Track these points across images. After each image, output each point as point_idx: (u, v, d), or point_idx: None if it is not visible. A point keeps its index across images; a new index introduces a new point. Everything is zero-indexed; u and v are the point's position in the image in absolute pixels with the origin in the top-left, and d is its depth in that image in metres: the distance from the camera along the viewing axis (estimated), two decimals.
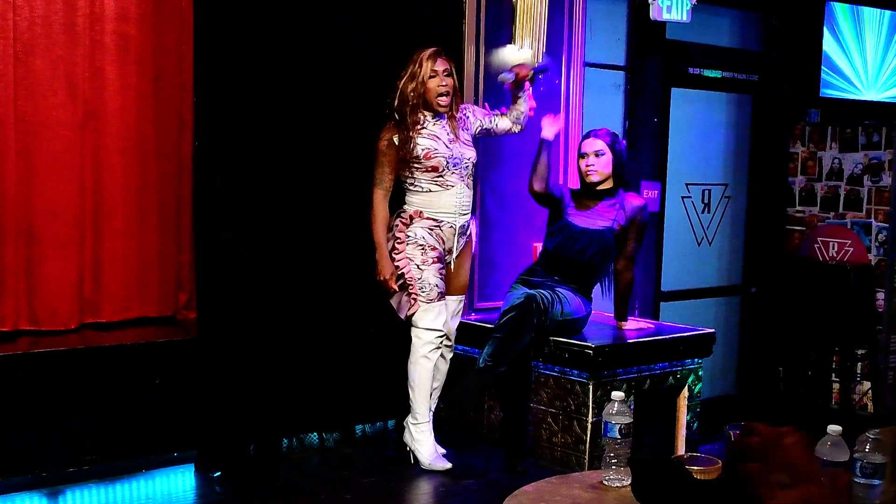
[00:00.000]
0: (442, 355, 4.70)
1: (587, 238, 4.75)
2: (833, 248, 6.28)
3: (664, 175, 6.03)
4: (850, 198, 6.28)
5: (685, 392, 4.97)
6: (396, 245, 4.55)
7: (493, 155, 5.19)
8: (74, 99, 4.42)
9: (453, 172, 4.54)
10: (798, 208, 6.53)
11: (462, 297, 4.81)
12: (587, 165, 4.78)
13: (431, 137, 4.53)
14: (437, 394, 4.72)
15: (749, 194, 6.60)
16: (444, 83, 4.51)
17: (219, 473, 4.39)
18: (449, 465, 4.55)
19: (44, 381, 4.11)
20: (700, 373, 5.01)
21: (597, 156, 4.76)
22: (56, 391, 4.14)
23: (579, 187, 4.91)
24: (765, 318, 6.41)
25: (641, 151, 5.88)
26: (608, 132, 4.85)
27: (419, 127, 4.52)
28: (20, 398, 4.06)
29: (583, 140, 4.88)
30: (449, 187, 4.55)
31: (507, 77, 4.77)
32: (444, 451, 4.68)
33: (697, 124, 6.28)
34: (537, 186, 4.75)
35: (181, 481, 4.38)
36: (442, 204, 4.56)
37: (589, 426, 4.55)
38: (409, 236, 4.54)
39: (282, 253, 4.63)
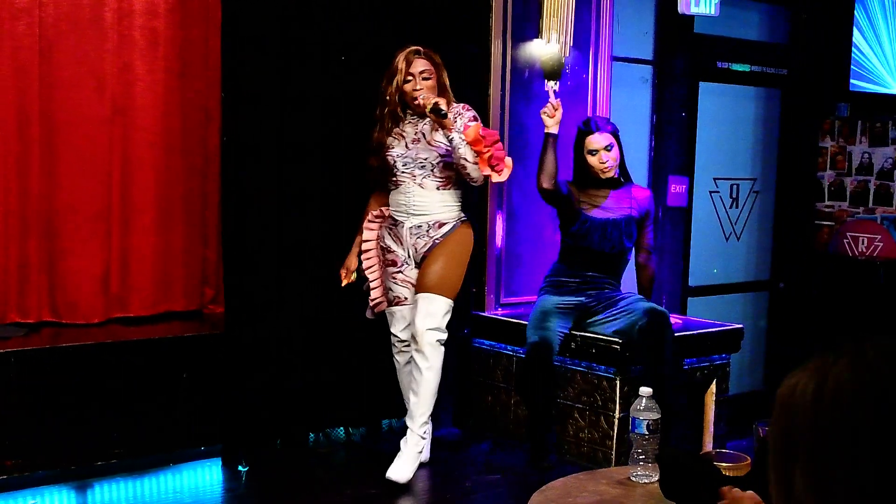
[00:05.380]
0: (416, 363, 4.26)
1: (611, 228, 4.71)
2: (863, 244, 6.22)
3: (692, 169, 5.99)
4: (881, 192, 6.21)
5: (712, 388, 4.93)
6: (364, 243, 4.55)
7: (519, 149, 5.16)
8: (101, 94, 4.44)
9: (403, 172, 4.38)
10: (827, 203, 6.46)
11: (430, 295, 4.24)
12: (602, 162, 4.65)
13: (396, 135, 4.42)
14: (418, 409, 4.28)
15: (778, 189, 6.54)
16: (418, 87, 4.29)
17: (246, 468, 4.40)
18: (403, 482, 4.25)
19: (72, 375, 4.14)
20: (728, 368, 4.98)
21: (608, 150, 4.65)
22: (84, 385, 4.16)
23: (573, 180, 4.78)
24: (793, 314, 6.36)
25: (669, 146, 5.84)
26: (607, 121, 4.76)
27: (392, 125, 4.42)
28: (48, 392, 4.09)
29: (586, 135, 4.68)
30: (398, 185, 4.41)
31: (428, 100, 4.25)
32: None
33: (726, 118, 6.23)
34: (546, 184, 4.57)
35: (208, 475, 4.40)
36: (393, 202, 4.46)
37: (616, 422, 4.53)
38: (379, 236, 4.52)
39: (308, 248, 4.64)
